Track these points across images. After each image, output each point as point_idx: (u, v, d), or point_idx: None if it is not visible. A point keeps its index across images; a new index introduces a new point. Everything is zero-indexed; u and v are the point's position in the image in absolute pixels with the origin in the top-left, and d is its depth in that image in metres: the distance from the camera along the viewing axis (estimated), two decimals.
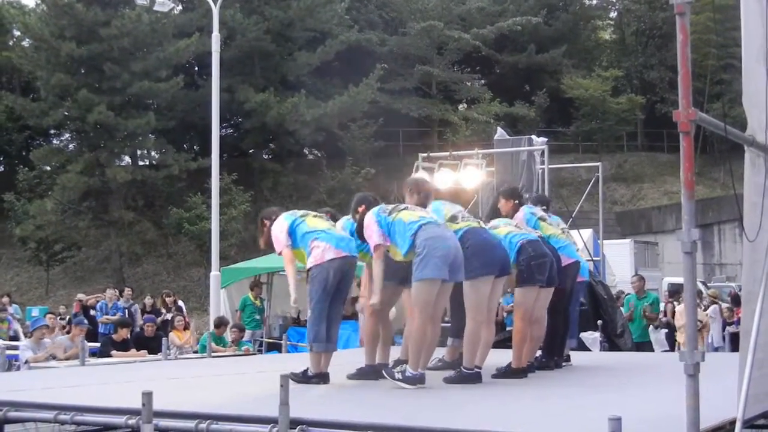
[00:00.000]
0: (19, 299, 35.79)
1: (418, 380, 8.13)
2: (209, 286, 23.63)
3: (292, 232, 8.73)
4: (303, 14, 44.90)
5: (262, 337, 20.92)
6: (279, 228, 8.83)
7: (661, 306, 20.90)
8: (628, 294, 19.72)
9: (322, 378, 8.58)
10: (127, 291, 23.99)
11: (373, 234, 8.34)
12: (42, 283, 42.31)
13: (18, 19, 43.69)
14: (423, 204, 8.83)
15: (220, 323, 17.84)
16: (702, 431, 5.14)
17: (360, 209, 8.84)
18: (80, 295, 26.60)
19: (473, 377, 8.56)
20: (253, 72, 45.35)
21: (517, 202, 10.38)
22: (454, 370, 8.95)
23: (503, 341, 12.01)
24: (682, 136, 5.23)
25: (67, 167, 41.54)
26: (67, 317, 22.98)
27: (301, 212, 9.00)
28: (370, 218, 8.39)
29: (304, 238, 8.66)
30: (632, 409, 6.41)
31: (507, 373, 9.23)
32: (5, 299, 23.61)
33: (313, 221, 8.78)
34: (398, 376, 8.18)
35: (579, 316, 15.09)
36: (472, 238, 8.63)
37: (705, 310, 20.43)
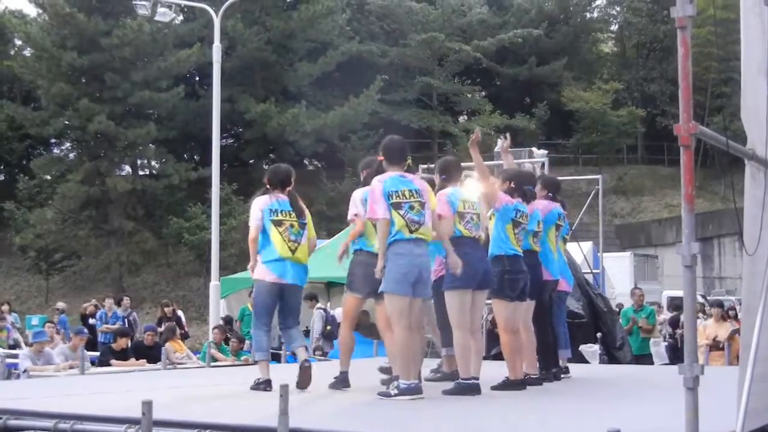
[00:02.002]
0: (19, 308, 35.80)
1: (414, 391, 8.14)
2: (209, 296, 23.62)
3: (265, 221, 9.10)
4: (304, 25, 44.97)
5: None
6: (257, 207, 9.22)
7: (659, 318, 20.88)
8: (626, 307, 19.63)
9: (267, 384, 9.03)
10: (126, 300, 23.98)
11: (375, 205, 8.29)
12: (41, 291, 42.32)
13: (19, 28, 43.76)
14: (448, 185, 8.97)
15: (220, 331, 17.92)
16: None
17: (365, 172, 9.05)
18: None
19: (471, 388, 8.55)
20: (254, 82, 45.43)
21: (550, 194, 10.48)
22: (454, 381, 8.95)
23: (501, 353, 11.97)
24: (683, 149, 5.24)
25: (68, 176, 41.63)
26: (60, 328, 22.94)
27: (272, 212, 9.11)
28: (378, 187, 8.31)
29: (263, 240, 9.14)
30: (631, 421, 6.41)
31: (505, 385, 9.22)
32: (5, 307, 23.59)
33: (275, 235, 9.04)
34: (393, 392, 8.19)
35: (578, 328, 15.17)
36: (456, 248, 8.63)
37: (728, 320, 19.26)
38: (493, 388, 9.14)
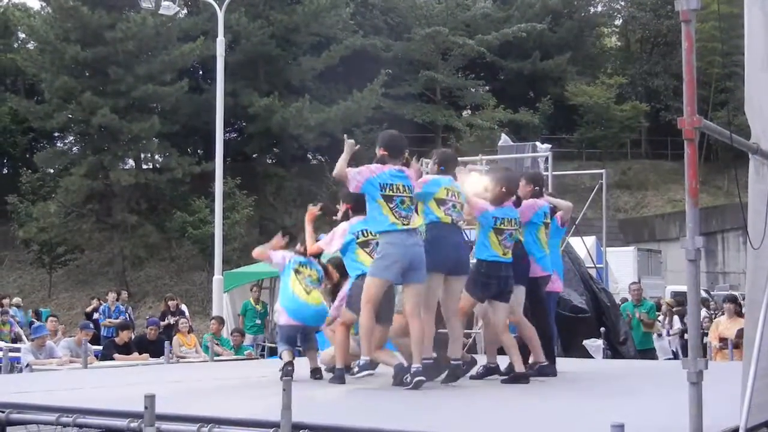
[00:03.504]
0: (22, 301, 35.80)
1: (369, 366, 8.68)
2: (212, 290, 23.64)
3: (286, 269, 9.90)
4: (308, 19, 44.90)
5: (264, 342, 20.90)
6: (288, 254, 10.05)
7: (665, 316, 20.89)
8: (626, 302, 19.61)
9: (289, 364, 9.45)
10: (123, 294, 24.00)
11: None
12: (45, 285, 42.32)
13: (23, 21, 43.74)
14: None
15: (217, 322, 17.99)
16: None
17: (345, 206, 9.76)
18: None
19: (426, 369, 8.71)
20: (258, 76, 45.37)
21: (537, 188, 10.46)
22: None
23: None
24: (687, 143, 5.23)
25: (71, 170, 41.61)
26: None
27: (297, 263, 9.90)
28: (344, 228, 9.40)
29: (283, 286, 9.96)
30: (635, 416, 6.40)
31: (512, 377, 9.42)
32: (6, 300, 23.62)
33: (294, 281, 9.73)
34: (355, 370, 8.79)
35: (582, 323, 15.20)
36: (431, 232, 8.92)
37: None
38: (472, 377, 9.52)
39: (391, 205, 8.59)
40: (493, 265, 9.33)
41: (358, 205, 9.38)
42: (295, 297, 9.65)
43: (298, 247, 10.17)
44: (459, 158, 10.46)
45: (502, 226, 9.40)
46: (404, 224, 8.58)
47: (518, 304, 9.89)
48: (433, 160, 9.43)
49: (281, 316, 9.79)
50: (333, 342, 9.87)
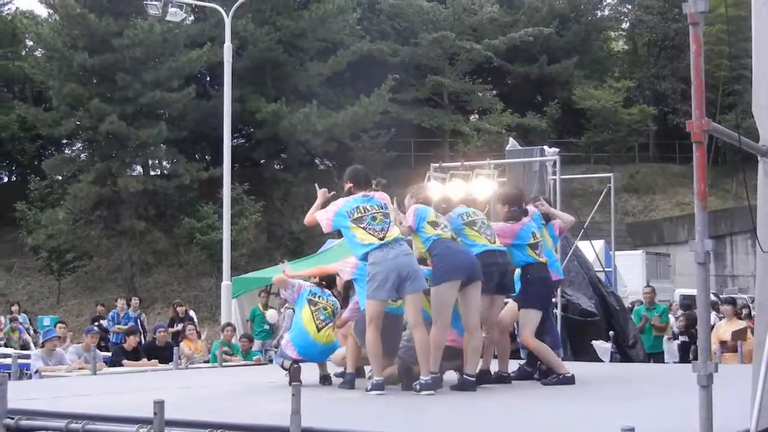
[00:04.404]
0: (31, 308, 35.87)
1: (381, 386, 8.66)
2: (220, 296, 23.65)
3: (299, 299, 9.93)
4: (315, 24, 44.89)
5: (272, 347, 20.89)
6: (303, 285, 10.12)
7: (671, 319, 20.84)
8: (638, 305, 19.61)
9: (295, 361, 9.69)
10: (134, 300, 24.00)
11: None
12: (53, 292, 42.37)
13: (31, 29, 43.78)
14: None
15: (231, 329, 17.96)
16: None
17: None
18: None
19: (435, 382, 8.70)
20: (265, 82, 45.36)
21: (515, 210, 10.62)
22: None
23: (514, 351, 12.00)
24: (696, 146, 5.23)
25: (79, 177, 41.65)
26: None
27: (311, 293, 9.94)
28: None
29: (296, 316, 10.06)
30: (645, 419, 6.39)
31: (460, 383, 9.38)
32: (15, 308, 23.61)
33: (306, 313, 9.77)
34: (368, 386, 8.78)
35: (591, 326, 15.20)
36: (438, 247, 8.98)
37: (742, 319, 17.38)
38: (544, 383, 9.66)
39: (363, 225, 8.82)
40: (487, 255, 9.37)
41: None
42: (305, 333, 9.68)
43: (314, 278, 10.23)
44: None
45: (469, 218, 9.63)
46: (381, 238, 8.74)
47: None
48: (411, 194, 9.60)
49: (288, 349, 9.75)
50: (343, 344, 9.90)
